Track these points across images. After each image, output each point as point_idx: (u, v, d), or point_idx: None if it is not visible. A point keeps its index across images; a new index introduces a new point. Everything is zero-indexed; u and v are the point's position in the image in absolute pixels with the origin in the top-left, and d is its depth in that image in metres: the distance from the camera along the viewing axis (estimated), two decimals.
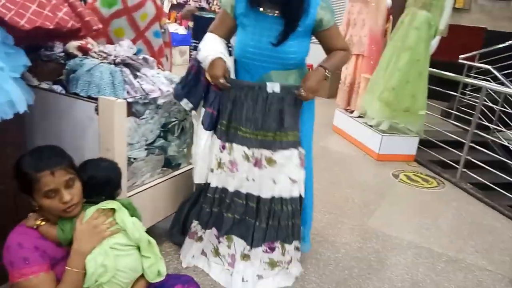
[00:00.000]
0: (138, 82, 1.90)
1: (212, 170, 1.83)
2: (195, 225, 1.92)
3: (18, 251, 1.14)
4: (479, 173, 3.40)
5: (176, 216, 2.12)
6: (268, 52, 1.63)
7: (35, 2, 1.41)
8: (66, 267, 1.19)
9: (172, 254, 2.06)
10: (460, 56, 5.31)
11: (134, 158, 1.85)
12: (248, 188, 1.77)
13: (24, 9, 1.39)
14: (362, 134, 4.06)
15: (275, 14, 1.62)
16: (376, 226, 2.58)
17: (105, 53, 1.97)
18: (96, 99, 1.66)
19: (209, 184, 1.85)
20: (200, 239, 1.92)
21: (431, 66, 3.82)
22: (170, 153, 2.04)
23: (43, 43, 1.83)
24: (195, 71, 1.80)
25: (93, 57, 1.92)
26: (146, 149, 1.90)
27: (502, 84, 4.05)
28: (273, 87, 1.65)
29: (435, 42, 3.66)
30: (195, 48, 3.09)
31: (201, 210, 1.90)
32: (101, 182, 1.29)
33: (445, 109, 4.89)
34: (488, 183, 3.27)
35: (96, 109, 1.65)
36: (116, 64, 1.90)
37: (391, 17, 4.39)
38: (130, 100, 1.79)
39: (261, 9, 1.63)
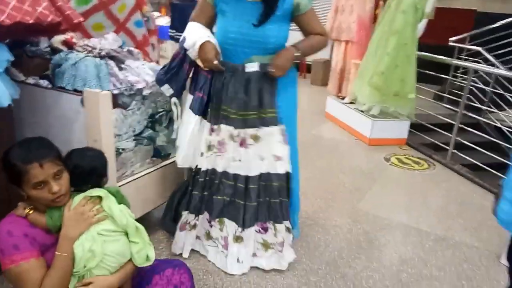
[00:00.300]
0: (123, 74, 1.92)
1: (202, 154, 1.86)
2: (185, 215, 1.95)
3: (8, 239, 1.17)
4: (471, 154, 3.44)
5: (168, 205, 2.16)
6: (249, 37, 1.66)
7: None
8: (56, 252, 1.23)
9: (165, 242, 2.11)
10: (451, 39, 5.32)
11: (123, 149, 1.88)
12: (236, 168, 1.81)
13: (4, 5, 1.40)
14: (354, 120, 4.09)
15: (255, 0, 1.64)
16: (366, 209, 2.63)
17: (90, 46, 1.98)
18: (81, 92, 1.69)
19: (199, 168, 1.88)
20: (194, 226, 1.95)
21: (422, 50, 3.84)
22: (158, 143, 2.07)
23: (26, 38, 1.85)
24: (180, 58, 1.81)
25: (78, 51, 1.94)
26: (134, 140, 1.93)
27: (493, 65, 4.06)
28: (252, 66, 1.69)
29: (422, 25, 3.68)
30: (176, 40, 3.04)
31: (191, 197, 1.92)
32: (86, 171, 1.31)
33: (437, 92, 4.92)
34: (479, 164, 3.31)
35: (82, 102, 1.68)
36: (101, 57, 1.92)
37: (381, 3, 4.39)
38: (115, 92, 1.81)
39: None
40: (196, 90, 1.81)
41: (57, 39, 1.98)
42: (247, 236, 1.86)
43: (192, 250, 2.01)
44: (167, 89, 1.86)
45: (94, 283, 1.21)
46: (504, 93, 3.87)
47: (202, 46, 1.67)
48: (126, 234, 1.33)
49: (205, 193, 1.89)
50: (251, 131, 1.77)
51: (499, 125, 3.72)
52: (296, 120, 1.92)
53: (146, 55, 2.42)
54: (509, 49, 4.91)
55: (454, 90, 4.87)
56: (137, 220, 1.36)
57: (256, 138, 1.78)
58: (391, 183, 3.09)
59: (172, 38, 4.33)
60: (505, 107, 3.95)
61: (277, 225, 1.85)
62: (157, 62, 2.65)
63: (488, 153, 3.37)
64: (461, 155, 3.46)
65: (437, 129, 3.84)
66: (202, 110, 1.82)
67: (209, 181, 1.87)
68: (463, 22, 6.15)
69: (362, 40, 4.29)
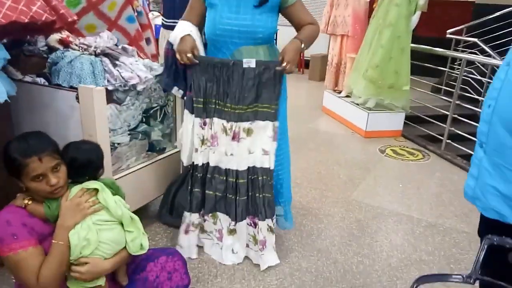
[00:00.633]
0: (117, 70, 1.98)
1: (197, 150, 1.88)
2: (188, 217, 1.93)
3: (7, 228, 1.22)
4: (466, 144, 3.47)
5: (164, 198, 2.23)
6: (238, 28, 1.71)
7: None
8: (52, 241, 1.29)
9: (161, 234, 2.18)
10: (448, 31, 5.34)
11: (118, 143, 1.94)
12: (227, 163, 1.84)
13: (0, 5, 1.47)
14: (350, 113, 4.14)
15: None
16: (359, 198, 2.68)
17: (85, 45, 2.05)
18: (76, 88, 1.75)
19: (196, 164, 1.89)
20: (198, 225, 1.96)
21: (421, 43, 3.86)
22: (153, 138, 2.14)
23: (22, 37, 1.91)
24: (172, 54, 1.85)
25: (74, 49, 2.00)
26: (129, 135, 1.99)
27: (490, 56, 4.09)
28: (248, 62, 1.71)
29: (415, 18, 3.71)
30: (166, 27, 3.06)
31: (192, 196, 1.92)
32: (83, 163, 1.37)
33: (435, 84, 4.95)
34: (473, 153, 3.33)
35: (77, 98, 1.74)
36: (96, 55, 1.98)
37: None
38: (110, 87, 1.87)
39: None
40: (188, 90, 1.85)
41: (54, 38, 2.05)
42: (240, 228, 1.89)
43: None
44: (177, 91, 1.91)
45: (89, 263, 1.27)
46: None
47: (181, 39, 1.71)
48: (121, 223, 1.40)
49: (203, 188, 1.91)
50: (244, 124, 1.79)
51: None
52: (286, 113, 1.96)
53: (141, 50, 2.44)
54: (506, 39, 4.92)
55: (451, 82, 4.90)
56: (133, 212, 1.42)
57: (249, 131, 1.80)
58: (385, 173, 3.14)
59: (164, 25, 4.40)
60: None
61: (260, 222, 1.86)
62: (156, 57, 2.67)
63: None
64: (456, 145, 3.50)
65: (433, 121, 3.88)
66: (192, 107, 1.85)
67: (204, 176, 1.90)
68: (461, 14, 6.17)
69: (357, 34, 4.33)
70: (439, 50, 3.86)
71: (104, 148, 1.56)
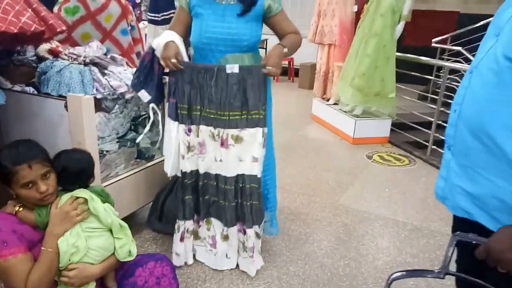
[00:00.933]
0: (106, 79, 2.02)
1: (183, 157, 1.88)
2: (182, 225, 1.93)
3: None
4: None
5: (153, 205, 2.24)
6: (223, 36, 1.76)
7: (0, 9, 1.52)
8: (42, 248, 1.31)
9: (150, 241, 2.19)
10: (433, 40, 5.47)
11: (107, 151, 1.97)
12: (217, 169, 1.86)
13: None
14: (338, 120, 4.21)
15: (228, 2, 1.76)
16: (347, 203, 2.73)
17: (75, 54, 2.09)
18: (65, 97, 1.78)
19: (184, 172, 1.90)
20: (193, 231, 1.97)
21: (408, 51, 3.95)
22: (142, 145, 2.17)
23: (12, 47, 1.94)
24: (149, 59, 1.85)
25: (64, 59, 2.04)
26: (118, 142, 2.02)
27: None
28: (232, 68, 1.74)
29: (400, 27, 3.82)
30: (153, 22, 3.10)
31: (184, 204, 1.92)
32: (74, 172, 1.40)
33: (421, 92, 5.06)
34: None
35: (66, 106, 1.77)
36: (85, 64, 2.02)
37: (365, 7, 4.53)
38: (98, 96, 1.91)
39: None
40: (170, 96, 1.85)
41: (43, 48, 2.08)
42: (232, 234, 1.90)
43: None
44: (143, 95, 1.87)
45: (78, 268, 1.29)
46: None
47: (164, 45, 1.74)
48: (111, 230, 1.42)
49: (194, 195, 1.93)
50: (233, 131, 1.79)
51: None
52: (271, 118, 2.00)
53: (132, 62, 2.50)
54: None
55: (437, 90, 5.01)
56: (122, 219, 1.44)
57: (237, 139, 1.80)
58: (372, 179, 3.20)
59: (151, 21, 4.50)
60: None
61: (248, 230, 1.87)
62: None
63: None
64: (441, 151, 3.57)
65: (418, 127, 3.97)
66: (177, 115, 1.85)
67: (194, 182, 1.91)
68: (446, 24, 6.32)
69: (344, 43, 4.42)
70: (423, 58, 3.96)
71: (93, 155, 1.59)
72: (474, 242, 0.88)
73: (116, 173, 2.05)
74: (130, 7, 2.51)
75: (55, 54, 2.08)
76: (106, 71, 2.05)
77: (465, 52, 4.68)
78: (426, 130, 3.82)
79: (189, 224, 1.95)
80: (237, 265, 1.99)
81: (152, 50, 1.82)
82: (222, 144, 1.83)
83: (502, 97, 0.84)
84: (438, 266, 2.07)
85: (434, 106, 3.88)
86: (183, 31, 1.87)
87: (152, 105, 1.93)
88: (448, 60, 5.36)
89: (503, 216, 0.87)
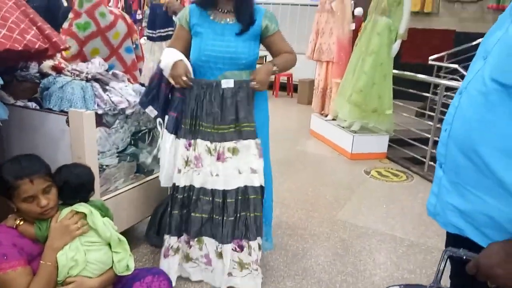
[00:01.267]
0: (107, 95, 2.06)
1: (179, 171, 1.90)
2: (167, 240, 1.94)
3: None
4: None
5: (152, 219, 2.25)
6: (222, 54, 1.81)
7: (5, 27, 1.57)
8: (41, 261, 1.32)
9: (148, 255, 2.20)
10: (430, 58, 5.56)
11: (106, 165, 1.99)
12: (213, 183, 1.87)
13: None
14: (336, 136, 4.25)
15: (226, 22, 1.82)
16: (344, 218, 2.74)
17: (77, 71, 2.13)
18: (67, 112, 1.82)
19: (177, 186, 1.92)
20: (177, 250, 1.95)
21: (406, 69, 4.01)
22: (141, 160, 2.19)
23: (16, 64, 1.99)
24: (158, 78, 1.93)
25: (66, 75, 2.08)
26: (117, 157, 2.05)
27: None
28: (227, 83, 1.81)
29: (396, 46, 3.89)
30: (150, 39, 3.21)
31: (171, 218, 1.93)
32: (75, 187, 1.42)
33: (418, 109, 5.11)
34: None
35: (67, 121, 1.80)
36: (87, 80, 2.07)
37: (363, 24, 4.62)
38: (99, 111, 1.94)
39: (211, 17, 1.83)
40: (171, 110, 1.91)
41: (47, 65, 2.13)
42: (225, 251, 1.88)
43: None
44: (151, 111, 1.96)
45: (76, 282, 1.30)
46: None
47: (173, 64, 1.80)
48: (109, 244, 1.44)
49: (184, 211, 1.92)
50: (229, 144, 1.83)
51: None
52: (268, 135, 2.04)
53: (134, 79, 2.58)
54: None
55: (434, 106, 5.06)
56: (121, 233, 1.46)
57: (234, 151, 1.84)
58: (370, 194, 3.22)
59: (148, 37, 4.63)
60: None
61: (251, 242, 1.87)
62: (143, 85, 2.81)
63: None
64: None
65: (415, 143, 4.00)
66: (175, 129, 1.91)
67: (187, 198, 1.91)
68: (443, 42, 6.44)
69: (342, 60, 4.50)
70: (420, 76, 4.03)
71: (93, 170, 1.61)
72: (465, 257, 0.90)
73: (116, 187, 2.06)
74: (135, 27, 2.60)
75: (58, 70, 2.12)
76: (107, 87, 2.10)
77: (461, 70, 4.76)
78: (423, 146, 3.85)
79: (174, 241, 1.93)
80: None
81: (160, 70, 1.89)
82: (218, 158, 1.85)
83: (490, 118, 0.87)
84: None
85: (431, 123, 3.93)
86: (183, 49, 1.92)
87: (159, 119, 2.00)
88: (445, 77, 5.44)
89: (492, 232, 0.90)
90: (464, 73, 4.54)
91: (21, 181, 1.25)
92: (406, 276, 2.12)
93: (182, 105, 1.88)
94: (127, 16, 2.57)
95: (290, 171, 3.61)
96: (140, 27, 8.07)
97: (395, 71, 4.04)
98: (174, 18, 3.84)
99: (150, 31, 4.69)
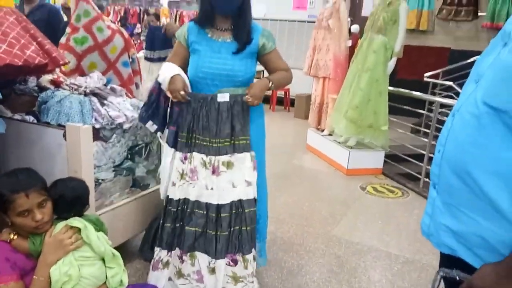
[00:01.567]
0: (105, 109, 2.07)
1: (174, 184, 1.91)
2: (157, 253, 1.94)
3: None
4: None
5: (146, 234, 2.24)
6: (219, 71, 1.84)
7: (6, 42, 1.59)
8: (34, 276, 1.32)
9: (142, 270, 2.18)
10: (425, 75, 5.64)
11: (102, 179, 1.99)
12: (208, 197, 1.87)
13: None
14: (332, 151, 4.27)
15: (224, 40, 1.85)
16: (340, 234, 2.74)
17: (76, 85, 2.15)
18: (64, 126, 1.83)
19: (171, 199, 1.92)
20: (167, 264, 1.94)
21: (402, 85, 4.06)
22: (138, 174, 2.19)
23: (15, 78, 2.01)
24: (156, 93, 1.95)
25: (65, 89, 2.10)
26: (113, 171, 2.05)
27: None
28: (223, 97, 1.83)
29: (392, 63, 3.95)
30: (148, 59, 3.28)
31: (162, 231, 1.93)
32: (70, 200, 1.43)
33: (413, 126, 5.16)
34: None
35: (64, 135, 1.81)
36: (85, 95, 2.08)
37: (359, 41, 4.70)
38: (97, 126, 1.95)
39: (209, 35, 1.86)
40: (170, 125, 1.93)
41: (46, 79, 2.15)
42: (218, 267, 1.86)
43: None
44: (151, 126, 1.97)
45: None
46: None
47: (171, 79, 1.82)
48: (103, 259, 1.43)
49: (177, 225, 1.91)
50: (224, 158, 1.84)
51: None
52: (264, 149, 2.04)
53: (130, 92, 2.60)
54: None
55: (429, 123, 5.11)
56: (115, 248, 1.46)
57: (229, 164, 1.85)
58: (365, 210, 3.22)
59: (146, 58, 4.71)
60: None
61: (247, 256, 1.86)
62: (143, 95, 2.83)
63: None
64: None
65: (411, 160, 4.03)
66: (175, 142, 1.92)
67: (181, 212, 1.90)
68: (438, 59, 6.53)
69: (338, 76, 4.56)
70: (415, 93, 4.08)
71: (88, 184, 1.62)
72: (458, 278, 0.91)
73: (111, 202, 2.06)
74: (132, 41, 2.64)
75: (56, 84, 2.14)
76: (105, 102, 2.11)
77: (456, 87, 4.82)
78: (419, 163, 3.88)
79: (164, 255, 1.92)
80: None
81: (158, 85, 1.91)
82: (213, 172, 1.86)
83: (482, 140, 0.89)
84: None
85: (426, 139, 3.97)
86: (181, 65, 1.94)
87: (159, 133, 2.02)
88: (440, 94, 5.50)
89: (484, 254, 0.91)
90: (459, 90, 4.60)
91: (17, 195, 1.26)
92: None
93: (180, 118, 1.89)
94: (124, 31, 2.60)
95: (286, 185, 3.61)
96: (138, 41, 8.19)
97: (391, 88, 4.09)
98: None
99: (148, 52, 4.78)
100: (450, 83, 5.01)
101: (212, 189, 1.86)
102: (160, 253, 1.93)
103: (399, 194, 3.60)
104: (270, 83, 1.87)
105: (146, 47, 4.79)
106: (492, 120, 0.87)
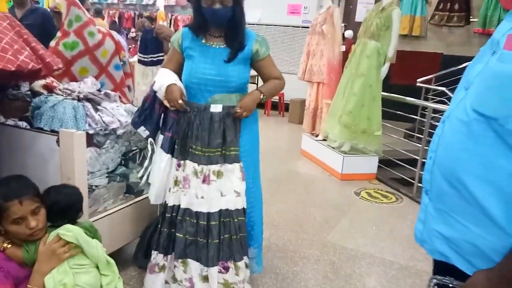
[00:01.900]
0: (99, 115, 2.07)
1: (169, 190, 1.93)
2: (154, 256, 1.96)
3: None
4: None
5: (140, 240, 2.23)
6: (213, 77, 1.84)
7: None
8: (28, 285, 1.30)
9: (136, 277, 2.16)
10: (418, 80, 5.69)
11: (96, 186, 1.98)
12: (198, 206, 1.87)
13: None
14: (326, 156, 4.28)
15: (218, 46, 1.86)
16: (334, 240, 2.74)
17: (69, 90, 2.14)
18: (57, 132, 1.81)
19: (167, 204, 1.94)
20: (163, 268, 1.95)
21: (395, 90, 4.08)
22: (131, 180, 2.18)
23: (8, 83, 1.99)
24: (151, 100, 1.95)
25: (58, 94, 2.09)
26: (107, 177, 2.04)
27: None
28: (216, 107, 1.85)
29: (385, 69, 3.99)
30: (141, 62, 3.28)
31: (160, 235, 1.94)
32: (63, 207, 1.42)
33: (406, 131, 5.20)
34: None
35: (57, 141, 1.80)
36: (79, 100, 2.07)
37: (353, 47, 4.73)
38: (90, 131, 1.94)
39: (203, 41, 1.87)
40: (166, 131, 1.93)
41: (38, 83, 2.14)
42: (211, 274, 1.86)
43: None
44: (143, 131, 1.98)
45: None
46: None
47: (168, 88, 1.84)
48: (97, 267, 1.42)
49: (172, 230, 1.92)
50: (214, 167, 1.85)
51: None
52: (259, 156, 2.05)
53: (123, 95, 2.59)
54: None
55: (423, 128, 5.15)
56: (109, 255, 1.45)
57: (219, 174, 1.86)
58: (360, 216, 3.23)
59: (140, 61, 4.71)
60: None
61: (238, 263, 1.87)
62: (132, 102, 2.82)
63: None
64: None
65: (405, 165, 4.05)
66: (171, 149, 1.94)
67: (175, 218, 1.91)
68: (431, 64, 6.59)
69: (332, 81, 4.58)
70: (408, 99, 4.11)
71: (82, 190, 1.60)
72: (451, 285, 0.91)
73: (105, 208, 2.05)
74: (123, 44, 2.63)
75: (49, 89, 2.13)
76: (99, 107, 2.10)
77: (449, 93, 4.86)
78: (412, 168, 3.90)
79: (160, 259, 1.94)
80: None
81: (153, 92, 1.91)
82: (204, 181, 1.87)
83: (472, 147, 0.89)
84: None
85: (419, 145, 4.00)
86: (176, 70, 1.95)
87: (150, 139, 2.01)
88: (433, 99, 5.55)
89: (477, 261, 0.91)
90: (452, 95, 4.63)
91: (11, 202, 1.25)
92: None
93: (176, 125, 1.91)
94: (114, 33, 2.60)
95: (280, 191, 3.61)
96: (133, 45, 8.17)
97: (384, 93, 4.12)
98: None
99: (142, 56, 4.78)
100: (443, 88, 5.05)
101: (202, 197, 1.87)
102: (157, 257, 1.94)
103: (393, 200, 3.62)
104: (262, 95, 1.90)
105: (140, 50, 4.79)
106: (481, 127, 0.88)
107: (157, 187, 1.96)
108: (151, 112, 1.96)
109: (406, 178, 3.89)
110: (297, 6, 7.09)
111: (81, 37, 2.31)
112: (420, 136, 3.98)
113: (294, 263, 2.41)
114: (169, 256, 1.94)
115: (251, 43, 1.86)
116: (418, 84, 5.62)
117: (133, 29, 9.37)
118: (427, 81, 5.73)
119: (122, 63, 2.57)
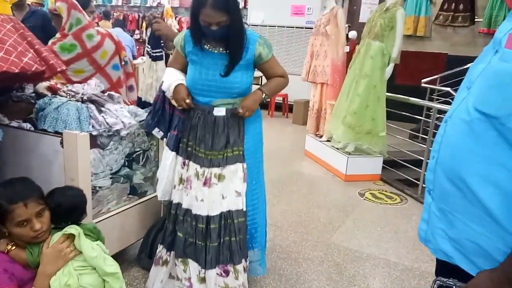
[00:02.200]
0: (102, 116, 2.07)
1: (174, 187, 1.96)
2: (160, 250, 1.99)
3: None
4: None
5: (144, 241, 2.23)
6: (215, 83, 1.83)
7: (3, 50, 1.59)
8: (32, 287, 1.31)
9: (139, 278, 2.16)
10: (423, 80, 5.66)
11: (99, 187, 1.98)
12: (197, 209, 1.87)
13: None
14: (330, 157, 4.27)
15: (220, 51, 1.84)
16: (338, 242, 2.73)
17: (73, 91, 2.15)
18: (61, 133, 1.82)
19: (172, 201, 1.96)
20: (166, 262, 1.97)
21: (400, 91, 4.06)
22: (135, 181, 2.19)
23: (12, 85, 2.00)
24: (161, 100, 1.98)
25: (62, 96, 2.10)
26: (111, 178, 2.04)
27: None
28: (219, 111, 1.85)
29: (389, 69, 3.96)
30: (153, 58, 3.33)
31: (165, 230, 1.98)
32: (67, 209, 1.43)
33: (411, 131, 5.16)
34: None
35: (61, 143, 1.80)
36: (83, 101, 2.08)
37: (356, 47, 4.72)
38: (94, 133, 1.95)
39: (205, 46, 1.85)
40: (171, 129, 1.96)
41: (42, 85, 2.15)
42: (209, 278, 1.86)
43: None
44: (157, 132, 2.02)
45: None
46: None
47: (175, 88, 1.86)
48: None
49: (176, 227, 1.94)
50: (215, 170, 1.86)
51: None
52: (262, 157, 2.04)
53: (119, 94, 2.57)
54: None
55: (427, 128, 5.11)
56: (112, 256, 1.45)
57: (220, 177, 1.86)
58: (364, 217, 3.21)
59: (148, 53, 4.73)
60: None
61: (237, 266, 1.87)
62: (136, 102, 2.80)
63: None
64: None
65: (409, 166, 4.02)
66: (177, 147, 1.95)
67: (177, 215, 1.93)
68: (436, 65, 6.56)
69: (336, 82, 4.57)
70: (412, 99, 4.09)
71: (85, 192, 1.61)
72: (454, 286, 0.90)
73: (108, 209, 2.05)
74: (128, 42, 2.61)
75: (53, 91, 2.14)
76: (103, 109, 2.11)
77: (453, 93, 4.83)
78: (417, 169, 3.87)
79: (164, 253, 1.98)
80: None
81: (162, 92, 1.95)
82: (205, 184, 1.87)
83: (474, 146, 0.89)
84: None
85: (424, 145, 3.98)
86: (181, 70, 1.96)
87: (165, 139, 2.05)
88: (438, 99, 5.51)
89: (480, 261, 0.90)
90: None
91: (16, 205, 1.26)
92: None
93: (182, 124, 1.94)
94: (114, 34, 2.58)
95: (284, 192, 3.60)
96: (138, 47, 8.20)
97: (388, 94, 4.10)
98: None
99: (149, 48, 4.77)
100: (448, 88, 5.02)
101: (202, 200, 1.87)
102: (162, 251, 1.98)
103: (398, 201, 3.59)
104: (264, 94, 1.90)
105: (148, 42, 4.81)
106: (483, 126, 0.87)
107: (164, 183, 1.99)
108: (163, 113, 2.00)
109: (411, 179, 3.87)
110: (300, 7, 7.08)
111: (79, 39, 2.27)
112: (425, 136, 3.95)
113: (298, 264, 2.40)
114: (172, 252, 1.96)
115: (253, 47, 1.84)
116: (422, 85, 5.60)
117: (137, 31, 9.40)
118: (432, 82, 5.70)
119: (123, 63, 2.56)
